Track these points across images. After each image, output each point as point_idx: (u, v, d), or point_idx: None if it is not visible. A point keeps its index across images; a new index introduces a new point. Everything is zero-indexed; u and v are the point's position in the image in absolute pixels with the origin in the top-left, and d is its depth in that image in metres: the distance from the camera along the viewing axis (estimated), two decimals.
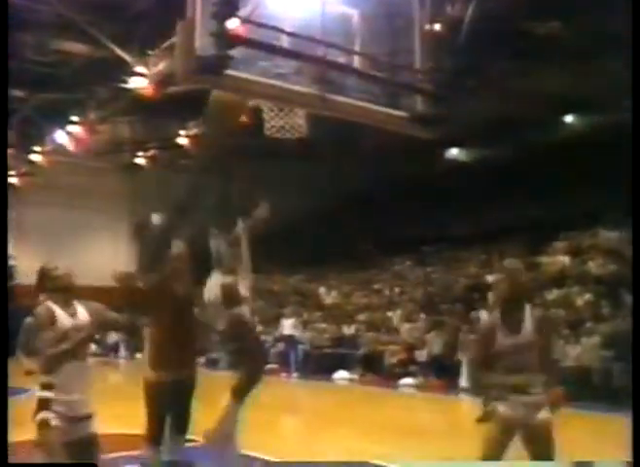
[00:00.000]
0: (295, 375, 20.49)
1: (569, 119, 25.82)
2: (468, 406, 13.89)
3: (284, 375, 20.34)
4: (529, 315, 5.26)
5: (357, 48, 5.62)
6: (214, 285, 5.47)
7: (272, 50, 5.04)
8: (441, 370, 16.84)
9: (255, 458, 7.78)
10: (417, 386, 16.52)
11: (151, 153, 28.61)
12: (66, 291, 4.86)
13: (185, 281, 6.13)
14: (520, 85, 19.67)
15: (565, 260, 19.30)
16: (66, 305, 4.85)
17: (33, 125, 24.75)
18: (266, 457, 8.10)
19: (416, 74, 5.84)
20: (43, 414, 4.55)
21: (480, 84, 18.12)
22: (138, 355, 24.67)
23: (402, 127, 5.71)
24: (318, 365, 20.25)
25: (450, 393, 15.32)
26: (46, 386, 4.59)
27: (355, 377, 18.77)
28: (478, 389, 6.12)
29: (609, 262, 17.63)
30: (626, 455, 4.83)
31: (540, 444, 5.13)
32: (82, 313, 4.89)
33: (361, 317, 22.08)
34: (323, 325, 22.43)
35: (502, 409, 5.15)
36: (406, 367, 17.74)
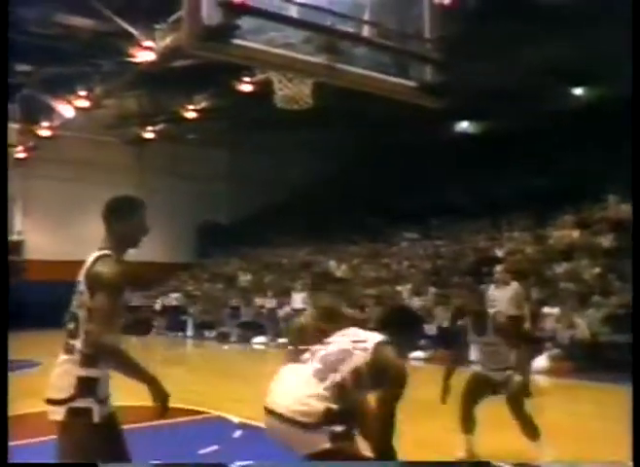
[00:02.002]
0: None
1: (578, 90, 25.69)
2: None
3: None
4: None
5: (366, 17, 5.55)
6: None
7: (280, 19, 4.97)
8: (450, 343, 16.83)
9: None
10: (427, 359, 16.52)
11: (158, 126, 28.61)
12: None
13: None
14: (529, 55, 19.56)
15: (574, 233, 19.20)
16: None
17: (39, 100, 24.72)
18: None
19: (425, 43, 5.76)
20: (83, 403, 3.66)
21: (489, 53, 18.01)
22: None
23: (411, 97, 5.65)
24: None
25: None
26: (90, 363, 3.70)
27: None
28: None
29: (617, 235, 17.55)
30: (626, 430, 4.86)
31: None
32: None
33: (370, 291, 22.02)
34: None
35: None
36: None
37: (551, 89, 23.78)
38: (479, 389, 6.92)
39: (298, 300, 21.57)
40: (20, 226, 30.69)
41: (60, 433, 3.71)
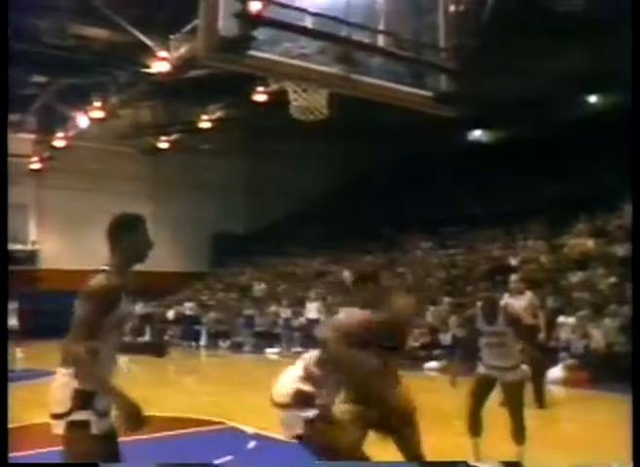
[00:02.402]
0: None
1: (592, 97, 25.64)
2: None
3: None
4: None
5: (381, 27, 5.55)
6: None
7: (296, 30, 4.98)
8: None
9: None
10: (441, 369, 16.40)
11: (173, 136, 28.68)
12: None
13: None
14: (543, 64, 19.52)
15: (589, 242, 19.06)
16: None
17: (54, 110, 24.85)
18: None
19: (441, 52, 5.75)
20: (81, 415, 3.67)
21: (503, 62, 17.97)
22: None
23: (426, 107, 5.65)
24: None
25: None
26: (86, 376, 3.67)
27: None
28: None
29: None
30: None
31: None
32: None
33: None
34: (348, 309, 22.17)
35: None
36: (430, 350, 17.64)
37: (566, 96, 23.71)
38: (484, 391, 7.00)
39: (312, 309, 21.51)
40: (35, 236, 30.79)
41: (63, 446, 3.74)
